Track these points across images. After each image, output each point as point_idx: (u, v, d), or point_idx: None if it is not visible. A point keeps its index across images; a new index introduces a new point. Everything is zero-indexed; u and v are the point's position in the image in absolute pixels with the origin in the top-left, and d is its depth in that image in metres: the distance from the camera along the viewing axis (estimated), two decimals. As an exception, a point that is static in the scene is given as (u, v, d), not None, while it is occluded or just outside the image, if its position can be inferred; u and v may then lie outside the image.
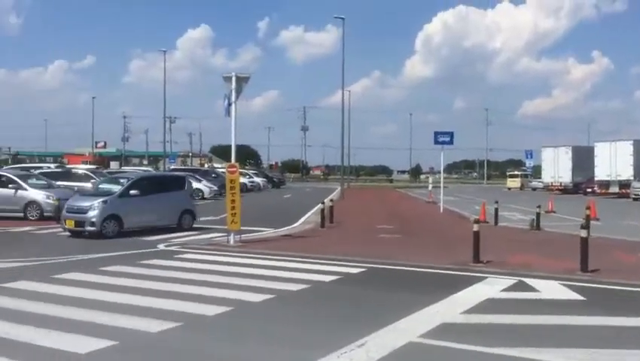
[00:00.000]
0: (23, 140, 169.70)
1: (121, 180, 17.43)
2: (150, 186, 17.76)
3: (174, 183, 18.91)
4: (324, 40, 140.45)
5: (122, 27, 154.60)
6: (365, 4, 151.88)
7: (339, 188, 44.04)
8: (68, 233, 15.73)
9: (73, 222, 15.55)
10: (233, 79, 14.43)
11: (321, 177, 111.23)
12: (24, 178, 20.94)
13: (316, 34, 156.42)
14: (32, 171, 26.35)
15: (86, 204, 15.73)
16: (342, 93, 40.43)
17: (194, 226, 17.92)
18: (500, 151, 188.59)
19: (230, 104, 14.55)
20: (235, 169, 14.74)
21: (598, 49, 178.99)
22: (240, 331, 6.83)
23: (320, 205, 19.73)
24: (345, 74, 39.74)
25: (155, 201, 16.96)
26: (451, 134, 25.58)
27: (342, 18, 40.05)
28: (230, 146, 15.79)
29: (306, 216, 22.86)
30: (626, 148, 43.08)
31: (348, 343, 6.15)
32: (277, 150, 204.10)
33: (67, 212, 15.94)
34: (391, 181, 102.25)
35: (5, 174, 21.97)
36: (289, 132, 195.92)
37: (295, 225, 19.86)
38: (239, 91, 14.54)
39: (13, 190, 19.87)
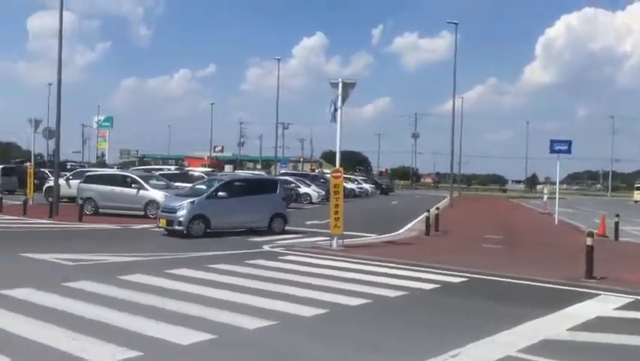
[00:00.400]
0: (150, 144, 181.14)
1: (213, 182, 18.00)
2: (240, 188, 18.13)
3: (266, 187, 19.01)
4: (439, 47, 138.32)
5: (242, 37, 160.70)
6: (484, 10, 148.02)
7: (449, 196, 43.13)
8: (164, 231, 16.42)
9: (165, 221, 16.31)
10: (340, 85, 14.61)
11: (432, 184, 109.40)
12: (146, 179, 22.37)
13: (431, 40, 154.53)
14: (153, 172, 28.13)
15: (176, 204, 16.46)
16: (454, 100, 39.68)
17: (295, 228, 18.27)
18: (627, 162, 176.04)
19: (335, 110, 14.73)
20: (339, 174, 14.88)
21: None
22: (334, 333, 6.88)
23: (426, 213, 19.40)
24: (459, 81, 39.16)
25: (244, 204, 17.22)
26: (569, 143, 24.22)
27: (456, 23, 39.37)
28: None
29: (412, 223, 22.59)
30: None
31: (442, 353, 6.02)
32: (388, 156, 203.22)
33: (161, 211, 16.81)
34: (504, 191, 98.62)
35: (130, 174, 23.61)
36: (400, 139, 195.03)
37: (399, 232, 19.70)
38: (345, 97, 14.68)
39: (135, 190, 21.29)
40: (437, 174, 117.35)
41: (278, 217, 17.90)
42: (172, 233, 16.13)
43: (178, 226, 15.96)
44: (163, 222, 16.41)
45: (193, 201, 16.36)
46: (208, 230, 16.28)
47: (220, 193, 16.88)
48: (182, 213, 16.00)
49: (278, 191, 18.61)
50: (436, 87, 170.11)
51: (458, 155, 54.78)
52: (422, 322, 7.62)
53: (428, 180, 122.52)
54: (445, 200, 41.38)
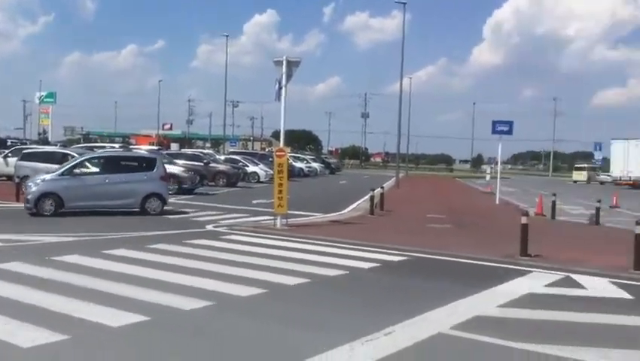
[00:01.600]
0: (96, 121, 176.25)
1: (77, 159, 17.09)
2: (105, 165, 16.85)
3: (139, 164, 17.34)
4: (389, 26, 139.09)
5: (193, 13, 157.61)
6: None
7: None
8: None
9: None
10: (284, 63, 14.48)
11: (381, 164, 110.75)
12: (86, 157, 21.70)
13: (382, 19, 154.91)
14: (95, 150, 27.37)
15: (31, 182, 15.81)
16: (401, 80, 39.92)
17: (238, 207, 18.11)
18: (570, 143, 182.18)
19: (280, 88, 14.61)
20: (283, 153, 14.82)
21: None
22: (269, 313, 6.88)
23: (371, 193, 19.58)
24: (410, 61, 39.41)
25: (109, 182, 16.07)
26: (510, 124, 24.80)
27: (404, 3, 39.40)
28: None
29: (358, 202, 22.77)
30: (703, 142, 40.75)
31: (376, 330, 6.08)
32: (339, 135, 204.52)
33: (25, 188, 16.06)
34: (451, 170, 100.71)
35: (70, 152, 22.87)
36: (351, 119, 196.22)
37: (345, 211, 19.85)
38: (289, 75, 14.57)
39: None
40: (387, 153, 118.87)
41: (153, 197, 16.48)
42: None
43: (27, 203, 15.25)
44: (24, 200, 15.71)
45: (44, 179, 15.57)
46: (62, 210, 15.37)
47: (76, 170, 15.94)
48: (31, 191, 15.23)
49: (155, 169, 16.88)
50: (387, 67, 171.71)
51: (406, 135, 55.63)
52: (358, 300, 7.69)
53: (378, 159, 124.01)
54: (392, 180, 41.88)
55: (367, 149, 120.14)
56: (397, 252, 11.29)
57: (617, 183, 49.07)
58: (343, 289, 8.33)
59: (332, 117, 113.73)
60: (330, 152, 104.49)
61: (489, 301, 7.63)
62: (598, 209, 18.36)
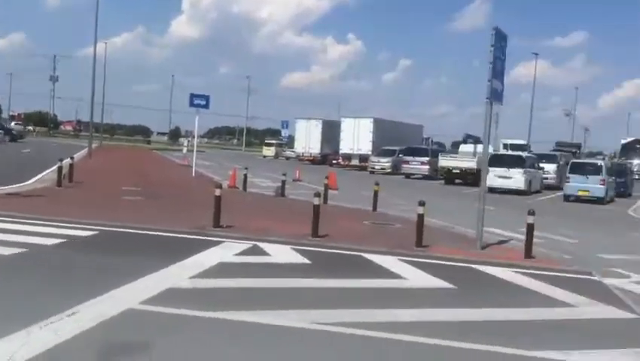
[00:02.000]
0: None
1: None
2: None
3: None
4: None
5: None
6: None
7: (88, 146, 41.12)
8: None
9: None
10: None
11: (72, 133, 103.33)
12: None
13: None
14: None
15: None
16: (95, 43, 37.52)
17: None
18: (262, 120, 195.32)
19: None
20: (-53, 115, 12.62)
21: (354, 32, 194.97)
22: None
23: (59, 163, 18.04)
24: (105, 25, 37.07)
25: None
26: (207, 98, 25.29)
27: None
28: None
29: (43, 173, 20.81)
30: (367, 125, 47.56)
31: (57, 312, 5.58)
32: (23, 99, 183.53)
33: None
34: (149, 142, 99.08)
35: None
36: (39, 82, 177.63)
37: (27, 183, 17.91)
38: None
39: None
40: (79, 122, 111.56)
41: None
42: None
43: None
44: None
45: None
46: None
47: None
48: None
49: None
50: (80, 28, 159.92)
51: (101, 103, 52.72)
52: (38, 281, 6.98)
53: (69, 128, 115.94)
54: (85, 150, 39.37)
55: (56, 116, 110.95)
56: (85, 226, 10.59)
57: (300, 158, 54.16)
58: (20, 270, 7.46)
59: (14, 78, 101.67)
60: (12, 117, 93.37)
61: (180, 273, 7.66)
62: (283, 182, 19.98)
